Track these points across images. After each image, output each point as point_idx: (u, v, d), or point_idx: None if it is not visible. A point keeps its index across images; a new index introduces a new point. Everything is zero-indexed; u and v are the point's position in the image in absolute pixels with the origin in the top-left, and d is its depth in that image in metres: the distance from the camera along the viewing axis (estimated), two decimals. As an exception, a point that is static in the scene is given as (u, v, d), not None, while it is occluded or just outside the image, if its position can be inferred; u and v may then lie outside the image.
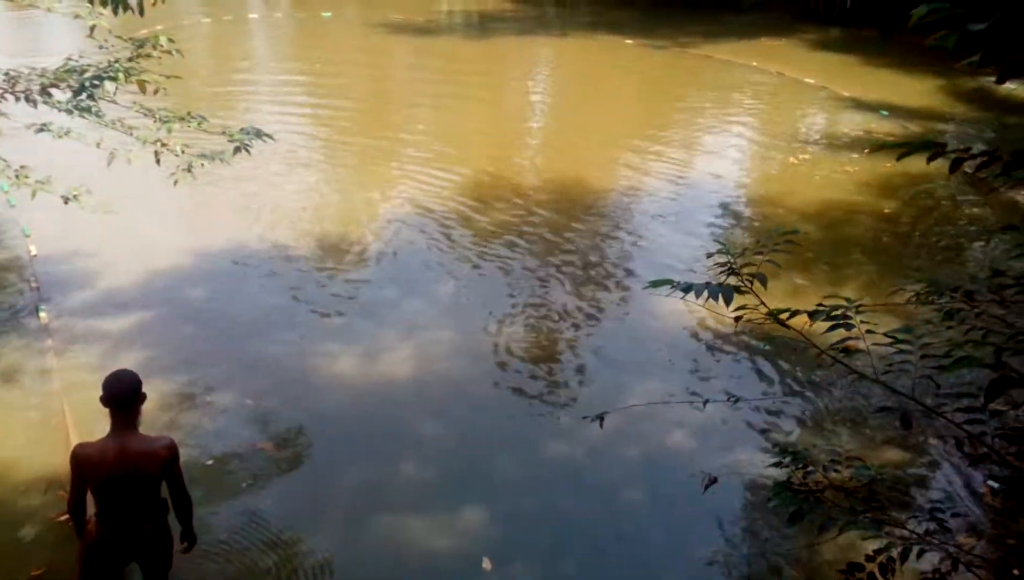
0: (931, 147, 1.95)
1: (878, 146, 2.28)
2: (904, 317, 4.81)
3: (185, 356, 6.32)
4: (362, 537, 4.74)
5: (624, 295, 7.49)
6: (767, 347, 6.55)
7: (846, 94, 14.01)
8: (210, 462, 5.24)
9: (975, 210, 9.49)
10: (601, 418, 3.05)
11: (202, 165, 5.14)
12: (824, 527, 2.96)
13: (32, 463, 5.11)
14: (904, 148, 1.96)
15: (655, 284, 2.62)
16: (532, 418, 5.81)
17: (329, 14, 19.49)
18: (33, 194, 5.12)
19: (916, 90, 13.41)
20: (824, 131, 12.70)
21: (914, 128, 12.26)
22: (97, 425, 3.53)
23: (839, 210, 9.44)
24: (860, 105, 13.48)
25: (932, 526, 3.09)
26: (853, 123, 12.75)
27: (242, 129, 5.21)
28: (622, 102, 14.44)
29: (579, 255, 8.21)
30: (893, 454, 5.39)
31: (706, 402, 3.18)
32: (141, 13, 4.40)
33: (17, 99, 4.99)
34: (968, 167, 2.11)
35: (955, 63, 1.68)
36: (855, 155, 11.10)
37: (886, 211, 9.46)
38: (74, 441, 4.54)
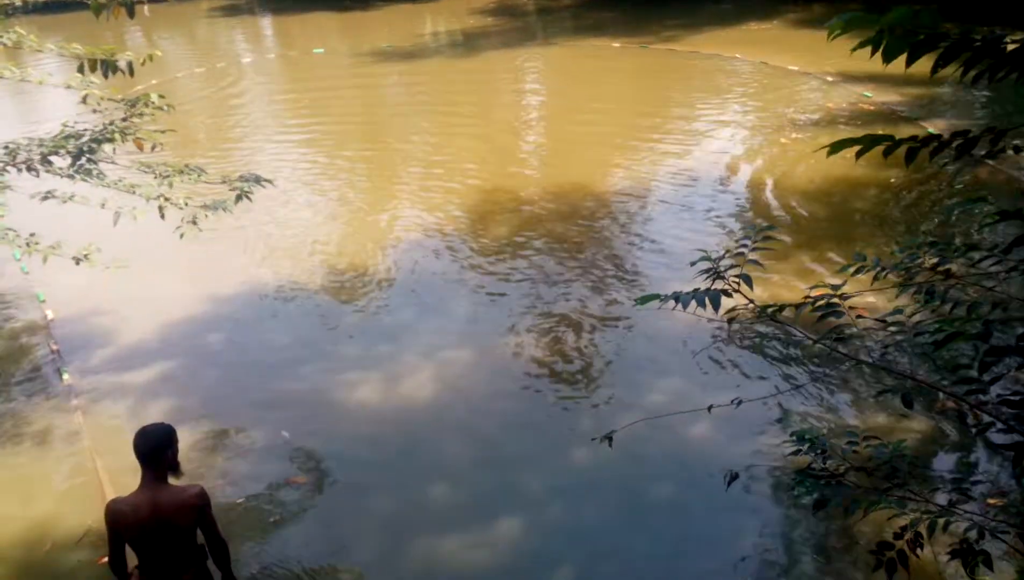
0: (883, 140, 2.00)
1: (831, 145, 2.30)
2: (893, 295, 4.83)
3: (209, 400, 6.43)
4: (397, 560, 4.81)
5: (635, 300, 7.50)
6: (770, 340, 6.57)
7: (832, 72, 13.99)
8: (241, 501, 5.33)
9: (978, 173, 9.45)
10: (610, 438, 3.10)
11: (206, 216, 5.22)
12: (849, 510, 2.97)
13: (68, 521, 5.21)
14: (859, 143, 2.01)
15: (643, 300, 2.64)
16: (555, 429, 5.86)
17: (321, 49, 19.75)
18: (44, 259, 5.21)
19: (904, 59, 13.32)
20: (816, 111, 12.67)
21: (901, 98, 12.23)
22: (131, 478, 3.60)
23: (843, 185, 9.45)
24: (848, 79, 13.46)
25: (955, 496, 3.11)
26: (842, 99, 12.73)
27: (241, 176, 5.30)
28: (615, 105, 14.48)
29: (588, 262, 8.25)
30: (908, 428, 5.39)
31: (710, 407, 3.21)
32: (131, 74, 4.49)
33: (19, 170, 5.09)
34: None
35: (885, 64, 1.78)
36: (851, 131, 11.08)
37: (892, 181, 9.43)
38: (109, 496, 4.63)
